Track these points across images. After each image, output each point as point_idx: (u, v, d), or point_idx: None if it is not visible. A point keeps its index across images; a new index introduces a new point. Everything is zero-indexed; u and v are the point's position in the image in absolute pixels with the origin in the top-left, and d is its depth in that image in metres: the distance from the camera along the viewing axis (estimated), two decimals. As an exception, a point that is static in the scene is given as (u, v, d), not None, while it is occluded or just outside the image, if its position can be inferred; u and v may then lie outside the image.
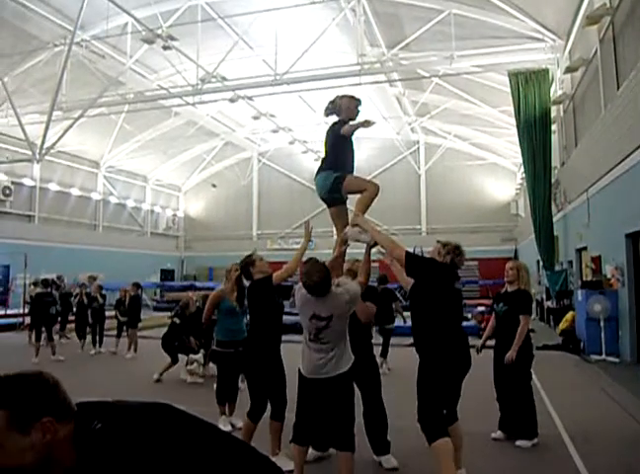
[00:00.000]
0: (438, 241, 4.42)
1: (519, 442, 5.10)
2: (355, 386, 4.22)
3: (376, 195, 4.04)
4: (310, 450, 4.68)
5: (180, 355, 8.97)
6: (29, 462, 1.30)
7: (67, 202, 28.35)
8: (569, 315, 12.64)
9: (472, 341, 11.47)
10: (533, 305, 20.41)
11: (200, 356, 8.99)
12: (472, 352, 4.36)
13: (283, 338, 4.98)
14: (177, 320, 9.17)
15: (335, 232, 4.49)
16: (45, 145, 15.87)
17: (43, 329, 11.01)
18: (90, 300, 12.18)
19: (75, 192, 28.61)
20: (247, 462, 1.50)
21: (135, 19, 15.82)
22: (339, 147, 4.20)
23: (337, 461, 4.03)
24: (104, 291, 12.74)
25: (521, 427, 5.15)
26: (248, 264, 5.05)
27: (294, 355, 4.74)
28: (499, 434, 5.34)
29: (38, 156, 16.20)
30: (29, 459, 1.30)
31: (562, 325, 12.76)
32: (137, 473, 1.30)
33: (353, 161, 4.31)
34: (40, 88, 20.41)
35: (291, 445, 4.16)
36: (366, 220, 4.07)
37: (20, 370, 1.39)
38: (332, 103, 4.40)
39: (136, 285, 12.11)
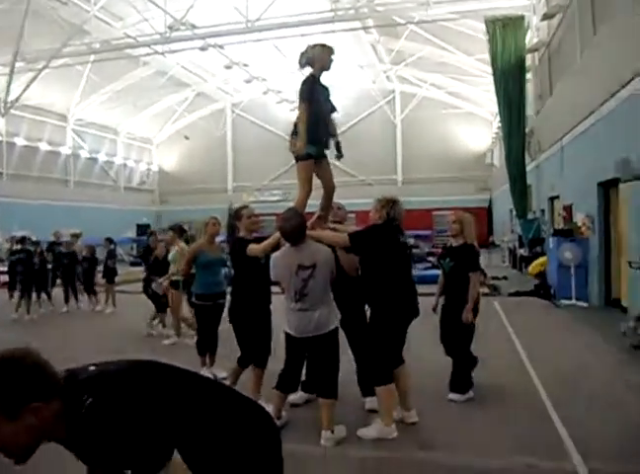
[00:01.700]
0: (375, 198, 4.45)
1: (451, 396, 4.97)
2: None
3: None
4: (300, 393, 4.91)
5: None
6: (23, 441, 1.36)
7: (36, 158, 27.54)
8: (542, 259, 12.93)
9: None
10: (505, 253, 20.92)
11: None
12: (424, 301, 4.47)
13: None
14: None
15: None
16: (10, 98, 15.30)
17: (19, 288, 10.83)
18: (81, 260, 11.80)
19: (44, 146, 27.78)
20: (237, 407, 1.55)
21: (98, -38, 15.07)
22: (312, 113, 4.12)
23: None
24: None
25: (456, 380, 5.03)
26: (235, 217, 5.03)
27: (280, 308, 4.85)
28: (452, 394, 5.03)
29: (2, 110, 15.64)
30: (22, 439, 1.35)
31: (534, 269, 13.02)
32: (129, 441, 1.35)
33: (329, 117, 4.29)
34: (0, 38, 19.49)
35: (274, 391, 4.32)
36: (311, 233, 4.17)
37: (4, 353, 1.37)
38: (304, 53, 4.29)
39: (109, 240, 11.99)
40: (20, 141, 26.28)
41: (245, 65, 26.10)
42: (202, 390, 1.52)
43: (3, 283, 13.10)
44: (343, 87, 28.60)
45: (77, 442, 1.40)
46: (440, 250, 6.97)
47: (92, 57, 20.92)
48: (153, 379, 1.47)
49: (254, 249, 4.54)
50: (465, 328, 4.98)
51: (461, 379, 5.03)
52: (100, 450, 1.37)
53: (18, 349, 1.40)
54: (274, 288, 4.85)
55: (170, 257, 7.95)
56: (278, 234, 4.27)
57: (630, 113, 8.12)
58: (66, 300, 11.58)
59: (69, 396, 1.38)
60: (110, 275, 11.50)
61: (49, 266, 11.65)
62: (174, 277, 7.72)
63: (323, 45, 4.30)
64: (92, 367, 1.48)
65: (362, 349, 4.76)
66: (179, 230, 8.18)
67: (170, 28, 17.36)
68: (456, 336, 5.04)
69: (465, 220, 5.17)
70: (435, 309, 5.30)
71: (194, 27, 18.89)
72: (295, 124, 4.25)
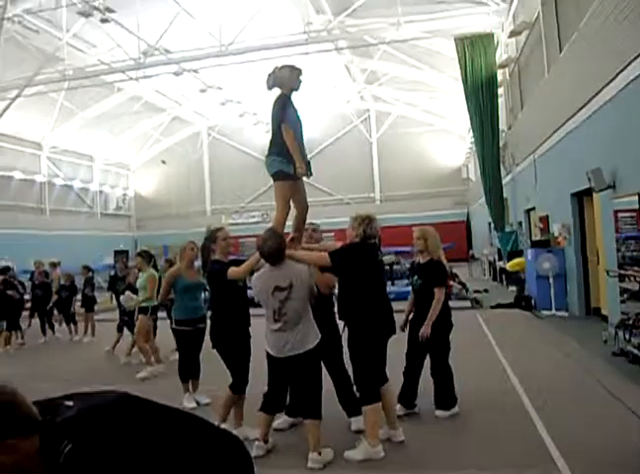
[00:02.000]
0: (350, 217, 4.43)
1: (437, 413, 4.93)
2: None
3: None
4: (284, 417, 4.84)
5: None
6: None
7: (10, 186, 27.20)
8: (519, 259, 13.13)
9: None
10: (485, 266, 21.09)
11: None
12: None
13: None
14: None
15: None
16: (-18, 127, 15.11)
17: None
18: (59, 289, 11.56)
19: (18, 175, 27.47)
20: (209, 440, 1.51)
21: (69, -10, 15.08)
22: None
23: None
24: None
25: (440, 397, 4.99)
26: (210, 239, 4.89)
27: (260, 329, 4.79)
28: (398, 407, 4.89)
29: (-26, 139, 15.43)
30: None
31: (513, 266, 13.21)
32: None
33: (301, 135, 4.29)
34: (-29, 67, 19.32)
35: (259, 414, 4.26)
36: (292, 253, 4.18)
37: None
38: (271, 75, 4.29)
39: (87, 268, 11.79)
40: (-7, 171, 25.96)
41: (219, 88, 26.21)
42: (182, 429, 1.48)
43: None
44: (318, 107, 28.90)
45: None
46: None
47: (66, 84, 20.78)
48: (134, 419, 1.41)
49: (234, 272, 4.48)
50: (438, 343, 4.91)
51: (445, 395, 4.99)
52: None
53: None
54: (255, 311, 4.80)
55: (138, 283, 7.80)
56: (257, 255, 4.24)
57: (598, 125, 8.31)
58: (43, 331, 11.32)
59: (47, 439, 1.31)
60: (88, 303, 11.29)
61: (26, 296, 11.42)
62: (143, 304, 7.59)
63: (292, 66, 4.31)
64: (70, 403, 1.40)
65: (338, 368, 4.74)
66: (147, 256, 8.01)
67: (144, 53, 17.37)
68: (431, 352, 5.00)
69: (429, 235, 5.06)
70: (403, 328, 5.12)
71: (167, 52, 18.96)
72: (271, 143, 4.23)
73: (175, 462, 1.39)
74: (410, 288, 5.42)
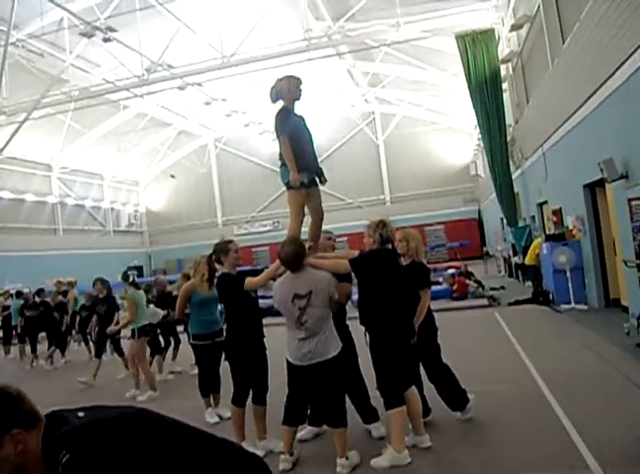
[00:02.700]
0: (365, 226, 4.42)
1: (458, 415, 4.85)
2: None
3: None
4: (308, 427, 4.81)
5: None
6: (5, 471, 1.33)
7: (22, 209, 27.50)
8: (535, 243, 13.05)
9: (446, 304, 11.56)
10: (500, 263, 20.94)
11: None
12: None
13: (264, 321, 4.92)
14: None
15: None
16: (-8, 152, 15.31)
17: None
18: (81, 308, 11.60)
19: (30, 197, 27.77)
20: (226, 461, 1.49)
21: (71, 12, 15.26)
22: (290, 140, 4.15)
23: (331, 436, 4.18)
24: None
25: (448, 399, 4.90)
26: (221, 251, 4.82)
27: (274, 337, 4.78)
28: None
29: (-15, 165, 15.62)
30: (4, 469, 1.33)
31: (530, 258, 13.07)
32: None
33: (311, 144, 4.32)
34: (-22, 94, 19.58)
35: (282, 427, 4.24)
36: (312, 261, 4.19)
37: None
38: (273, 87, 4.35)
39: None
40: (6, 194, 26.25)
41: (224, 100, 26.35)
42: (194, 446, 1.46)
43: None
44: (323, 113, 28.95)
45: None
46: (435, 265, 6.93)
47: (72, 105, 21.02)
48: (140, 434, 1.40)
49: (251, 282, 4.45)
50: (427, 347, 4.81)
51: (452, 396, 4.89)
52: None
53: None
54: (267, 320, 4.80)
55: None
56: (276, 263, 4.27)
57: (607, 115, 8.23)
58: (62, 352, 11.36)
59: (49, 447, 1.34)
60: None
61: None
62: (130, 326, 7.37)
63: (290, 77, 4.35)
64: (80, 413, 1.42)
65: (354, 376, 4.71)
66: (126, 277, 7.89)
67: (147, 70, 17.51)
68: (422, 357, 4.87)
69: (410, 237, 5.00)
70: None
71: (170, 67, 19.11)
72: (281, 155, 4.26)
73: None
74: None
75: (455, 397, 4.90)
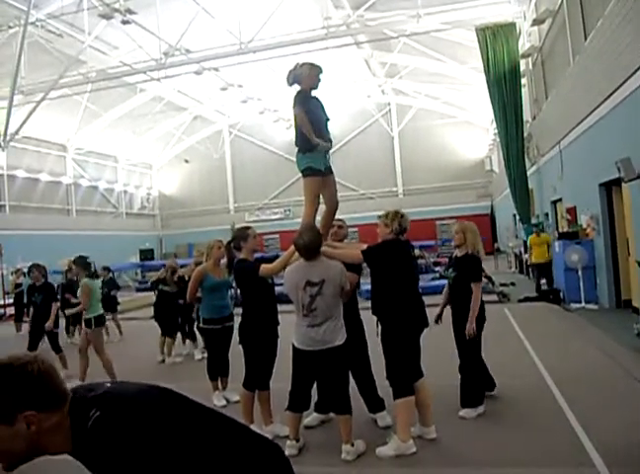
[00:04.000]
0: (378, 216, 4.49)
1: (462, 412, 4.82)
2: None
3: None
4: (314, 414, 4.87)
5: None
6: (18, 448, 1.35)
7: (37, 189, 27.67)
8: (544, 237, 12.98)
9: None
10: (511, 259, 20.84)
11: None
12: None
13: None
14: (168, 288, 8.65)
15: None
16: (9, 131, 15.40)
17: None
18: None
19: (44, 177, 27.93)
20: (245, 445, 1.51)
21: (91, -7, 15.26)
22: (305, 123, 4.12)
23: (337, 424, 4.25)
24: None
25: (467, 394, 4.90)
26: (240, 237, 4.83)
27: (280, 325, 4.81)
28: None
29: (2, 143, 15.74)
30: (17, 446, 1.34)
31: (537, 257, 12.98)
32: (134, 460, 1.32)
33: (326, 127, 4.29)
34: (-2, 72, 19.71)
35: (286, 413, 4.29)
36: (325, 251, 4.20)
37: (11, 356, 1.35)
38: (292, 71, 4.31)
39: (107, 269, 11.89)
40: (21, 173, 26.41)
41: (240, 86, 26.31)
42: (216, 426, 1.49)
43: (9, 316, 13.07)
44: (338, 103, 28.80)
45: (83, 457, 1.38)
46: (445, 259, 6.95)
47: (89, 87, 21.10)
48: (166, 405, 1.45)
49: (266, 269, 4.47)
50: (472, 338, 4.88)
51: (473, 392, 4.91)
52: (104, 467, 1.35)
53: (27, 354, 1.38)
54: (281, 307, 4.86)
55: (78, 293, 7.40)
56: (291, 249, 4.27)
57: (626, 114, 8.13)
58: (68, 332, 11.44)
59: (77, 409, 1.36)
60: (111, 304, 11.37)
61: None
62: (86, 316, 6.90)
63: (311, 64, 4.32)
64: (108, 384, 1.47)
65: (363, 364, 4.74)
66: (82, 262, 7.32)
67: (165, 54, 17.52)
68: (463, 347, 4.98)
69: (468, 229, 5.09)
70: (437, 320, 5.24)
71: (188, 51, 19.10)
72: (297, 141, 4.24)
73: (202, 455, 1.40)
74: (439, 282, 5.44)
75: (471, 396, 4.90)
